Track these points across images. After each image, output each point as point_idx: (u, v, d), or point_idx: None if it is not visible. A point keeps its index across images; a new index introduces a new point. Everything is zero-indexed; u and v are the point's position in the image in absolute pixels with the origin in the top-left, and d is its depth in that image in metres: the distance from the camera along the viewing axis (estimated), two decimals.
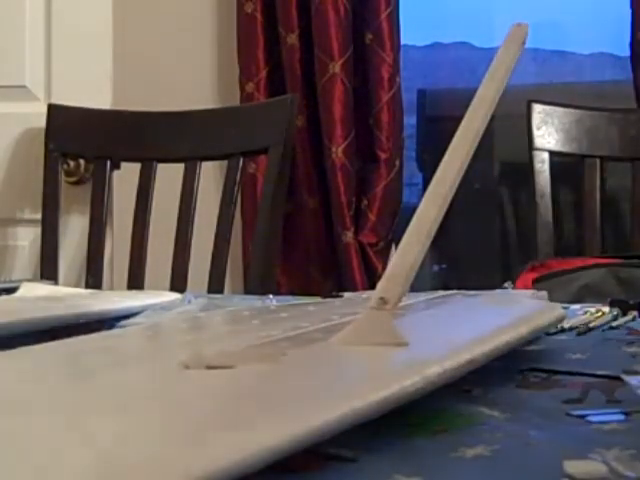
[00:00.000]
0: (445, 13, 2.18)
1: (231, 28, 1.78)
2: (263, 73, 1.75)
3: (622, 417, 0.39)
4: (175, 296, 0.80)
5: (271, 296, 0.85)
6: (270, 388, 0.33)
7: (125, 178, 1.65)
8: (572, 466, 0.31)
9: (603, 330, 0.65)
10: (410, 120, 1.90)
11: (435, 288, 1.48)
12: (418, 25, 2.09)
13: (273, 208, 1.54)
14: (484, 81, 0.51)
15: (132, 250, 1.59)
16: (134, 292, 0.90)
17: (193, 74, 1.83)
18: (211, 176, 1.70)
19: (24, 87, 1.78)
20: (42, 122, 1.67)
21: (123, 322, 0.67)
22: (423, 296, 0.72)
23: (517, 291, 1.14)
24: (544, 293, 0.80)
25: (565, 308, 0.68)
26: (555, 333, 0.62)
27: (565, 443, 0.34)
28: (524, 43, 0.51)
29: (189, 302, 0.77)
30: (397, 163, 1.76)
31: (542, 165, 1.58)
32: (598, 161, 1.58)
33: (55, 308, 0.64)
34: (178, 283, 1.50)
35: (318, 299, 0.80)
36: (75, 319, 0.64)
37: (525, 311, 0.58)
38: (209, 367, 0.34)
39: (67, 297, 0.73)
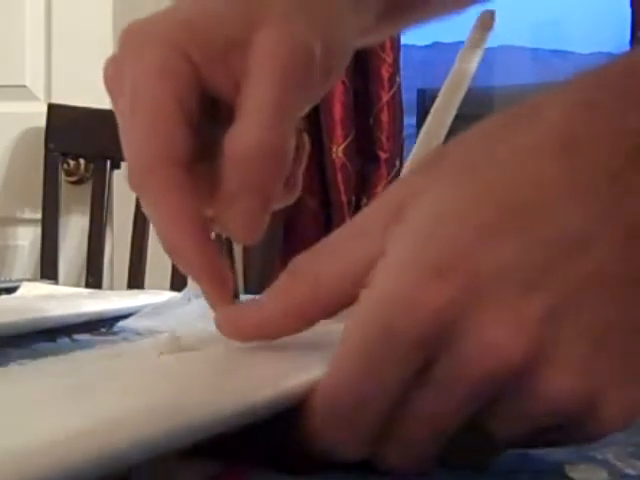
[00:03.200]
0: None
1: None
2: None
3: None
4: (175, 295, 0.79)
5: None
6: (218, 367, 0.32)
7: (125, 178, 1.65)
8: (572, 468, 0.31)
9: None
10: (410, 120, 1.90)
11: None
12: None
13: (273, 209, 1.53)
14: (456, 64, 0.52)
15: (132, 250, 1.59)
16: (134, 292, 0.90)
17: None
18: None
19: (24, 87, 1.78)
20: (42, 122, 1.67)
21: (122, 323, 0.67)
22: None
23: None
24: None
25: None
26: None
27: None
28: (492, 28, 0.53)
29: (189, 300, 0.77)
30: (397, 163, 1.76)
31: None
32: None
33: (55, 308, 0.64)
34: (178, 283, 1.50)
35: None
36: (75, 319, 0.64)
37: None
38: (182, 350, 0.34)
39: (67, 297, 0.73)
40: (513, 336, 0.28)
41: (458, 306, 0.28)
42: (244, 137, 0.37)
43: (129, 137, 0.39)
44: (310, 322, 0.33)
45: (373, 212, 0.32)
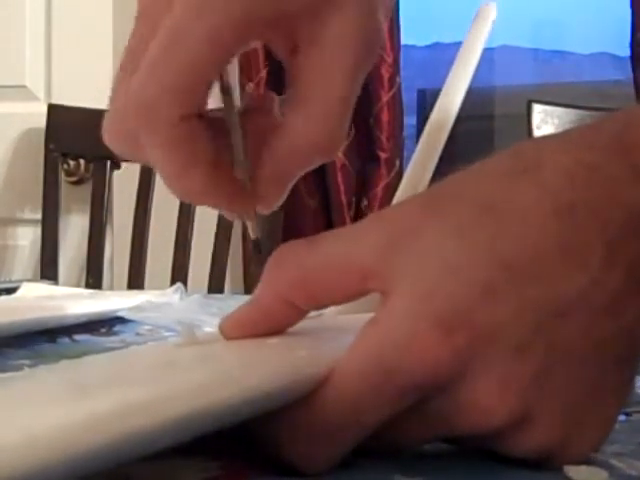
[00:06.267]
0: (445, 13, 2.18)
1: None
2: (263, 73, 1.75)
3: (622, 417, 0.39)
4: (170, 293, 0.79)
5: None
6: (235, 358, 0.32)
7: (125, 178, 1.65)
8: (573, 468, 0.31)
9: None
10: (410, 120, 1.90)
11: None
12: (418, 25, 2.10)
13: None
14: (458, 59, 0.52)
15: (132, 250, 1.59)
16: (134, 292, 0.90)
17: None
18: None
19: (24, 87, 1.78)
20: (42, 122, 1.67)
21: (122, 323, 0.67)
22: None
23: None
24: None
25: None
26: None
27: None
28: (493, 21, 0.53)
29: (181, 297, 0.77)
30: (397, 163, 1.76)
31: None
32: None
33: (55, 308, 0.64)
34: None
35: None
36: (75, 319, 0.64)
37: None
38: (198, 343, 0.34)
39: (67, 297, 0.73)
40: (499, 403, 0.30)
41: (458, 363, 0.29)
42: (314, 135, 0.37)
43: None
44: (300, 312, 0.34)
45: (367, 227, 0.33)
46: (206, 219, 1.56)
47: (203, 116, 0.35)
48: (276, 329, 0.34)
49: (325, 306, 0.34)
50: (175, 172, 0.36)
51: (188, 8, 0.34)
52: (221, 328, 0.34)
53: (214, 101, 0.37)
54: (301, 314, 0.34)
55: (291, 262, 0.33)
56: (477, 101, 2.03)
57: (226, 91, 0.38)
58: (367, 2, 0.36)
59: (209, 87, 0.35)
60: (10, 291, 0.79)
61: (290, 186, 0.39)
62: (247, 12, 0.34)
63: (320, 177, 1.75)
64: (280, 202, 0.39)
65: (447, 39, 2.23)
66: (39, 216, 1.66)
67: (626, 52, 1.73)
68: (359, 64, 0.36)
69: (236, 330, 0.34)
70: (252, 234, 0.40)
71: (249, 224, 0.39)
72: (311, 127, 0.37)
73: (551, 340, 0.30)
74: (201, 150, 0.36)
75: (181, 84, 0.34)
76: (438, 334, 0.29)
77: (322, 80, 0.36)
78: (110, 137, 0.38)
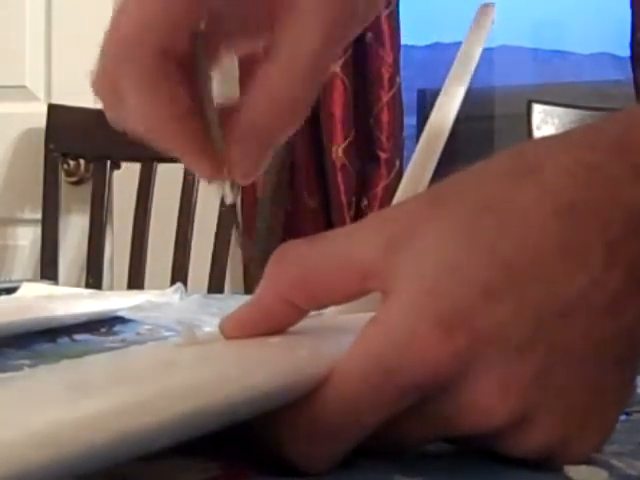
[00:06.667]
0: (445, 13, 2.18)
1: None
2: None
3: (622, 417, 0.39)
4: (170, 293, 0.79)
5: None
6: (233, 357, 0.32)
7: (125, 178, 1.65)
8: (573, 468, 0.31)
9: None
10: (410, 120, 1.90)
11: None
12: (418, 25, 2.09)
13: (273, 208, 1.53)
14: (457, 60, 0.52)
15: (132, 250, 1.59)
16: (134, 292, 0.90)
17: None
18: None
19: (24, 87, 1.78)
20: (42, 122, 1.67)
21: (122, 322, 0.67)
22: None
23: None
24: None
25: None
26: None
27: None
28: (493, 21, 0.53)
29: (181, 297, 0.77)
30: (397, 163, 1.76)
31: None
32: None
33: (55, 308, 0.64)
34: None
35: None
36: (75, 319, 0.64)
37: None
38: (198, 343, 0.34)
39: (67, 297, 0.73)
40: (499, 404, 0.30)
41: (458, 362, 0.30)
42: (280, 91, 0.36)
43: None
44: (301, 311, 0.34)
45: (367, 227, 0.33)
46: (206, 219, 1.56)
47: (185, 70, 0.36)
48: (276, 329, 0.34)
49: (325, 306, 0.34)
50: (150, 111, 0.36)
51: None
52: (221, 328, 0.34)
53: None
54: (301, 314, 0.34)
55: (291, 262, 0.33)
56: (477, 101, 2.03)
57: (198, 62, 0.38)
58: None
59: (187, 28, 0.36)
60: (10, 291, 0.79)
61: (264, 153, 0.38)
62: None
63: (320, 177, 1.75)
64: (255, 172, 0.38)
65: (447, 39, 2.23)
66: (39, 216, 1.66)
67: (626, 52, 1.73)
68: (335, 21, 0.36)
69: (236, 330, 0.34)
70: (226, 199, 0.39)
71: (224, 189, 0.39)
72: (276, 79, 0.36)
73: (551, 340, 0.30)
74: (179, 96, 0.36)
75: (160, 15, 0.35)
76: (438, 333, 0.29)
77: (294, 34, 0.36)
78: (96, 84, 0.39)
